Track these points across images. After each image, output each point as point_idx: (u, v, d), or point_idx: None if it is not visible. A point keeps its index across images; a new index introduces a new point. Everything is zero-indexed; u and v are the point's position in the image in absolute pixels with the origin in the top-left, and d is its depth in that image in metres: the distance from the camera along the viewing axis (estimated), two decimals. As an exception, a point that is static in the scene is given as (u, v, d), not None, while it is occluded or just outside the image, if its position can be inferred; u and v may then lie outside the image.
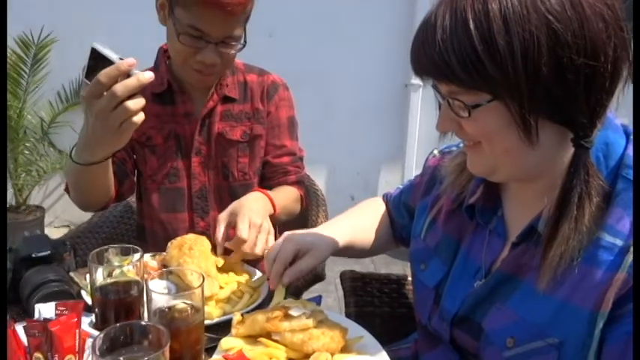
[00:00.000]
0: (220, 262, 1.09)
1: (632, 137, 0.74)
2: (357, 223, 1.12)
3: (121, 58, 0.94)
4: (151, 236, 1.38)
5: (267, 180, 1.40)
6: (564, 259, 0.68)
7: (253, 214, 1.11)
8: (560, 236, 0.69)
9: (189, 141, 1.32)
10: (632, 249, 0.66)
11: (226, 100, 1.34)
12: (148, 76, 0.94)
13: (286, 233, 0.99)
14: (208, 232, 1.31)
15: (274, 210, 1.24)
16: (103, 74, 0.93)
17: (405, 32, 3.31)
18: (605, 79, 0.66)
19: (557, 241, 0.69)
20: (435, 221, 0.95)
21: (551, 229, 0.70)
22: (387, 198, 1.17)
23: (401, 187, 1.16)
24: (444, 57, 0.66)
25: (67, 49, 3.09)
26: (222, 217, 1.13)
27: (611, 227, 0.68)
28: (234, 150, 1.34)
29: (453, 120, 0.74)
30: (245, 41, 1.22)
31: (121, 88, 0.93)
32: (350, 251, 1.07)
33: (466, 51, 0.64)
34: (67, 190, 1.24)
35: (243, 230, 1.07)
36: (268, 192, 1.26)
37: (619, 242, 0.67)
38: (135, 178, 1.36)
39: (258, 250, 1.08)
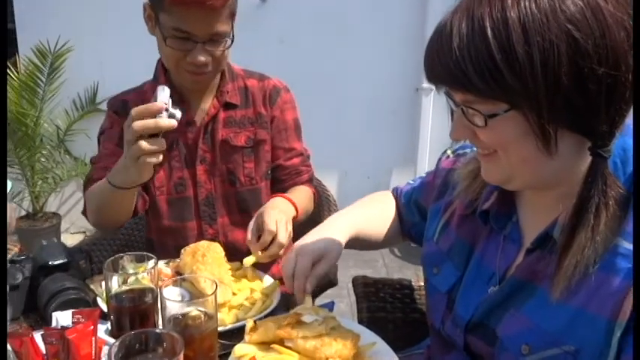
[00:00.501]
0: (233, 268, 1.10)
1: None
2: (365, 215, 1.11)
3: (166, 104, 1.04)
4: (160, 248, 1.38)
5: (282, 182, 1.41)
6: (579, 268, 0.68)
7: (277, 213, 1.13)
8: (575, 245, 0.68)
9: (193, 150, 1.33)
10: None
11: (228, 106, 1.34)
12: (167, 122, 1.02)
13: (296, 246, 0.99)
14: (218, 239, 1.32)
15: (297, 212, 1.24)
16: (135, 109, 1.02)
17: (416, 36, 3.31)
18: (626, 88, 0.64)
19: (573, 250, 0.68)
20: (448, 224, 0.94)
21: (567, 238, 0.69)
22: (397, 192, 1.16)
23: (412, 182, 1.14)
24: (461, 66, 0.65)
25: (82, 58, 3.14)
26: (250, 224, 1.14)
27: (630, 234, 0.67)
28: (239, 156, 1.34)
29: (467, 128, 0.73)
30: (233, 37, 1.22)
31: (138, 124, 1.01)
32: (356, 243, 1.06)
33: (484, 60, 0.63)
34: (84, 212, 1.29)
35: (270, 224, 1.09)
36: (289, 196, 1.27)
37: None
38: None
39: (283, 239, 1.09)
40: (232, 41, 1.22)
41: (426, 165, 3.53)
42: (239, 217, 1.37)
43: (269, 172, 1.40)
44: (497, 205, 0.84)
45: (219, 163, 1.34)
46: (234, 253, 1.29)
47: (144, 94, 1.35)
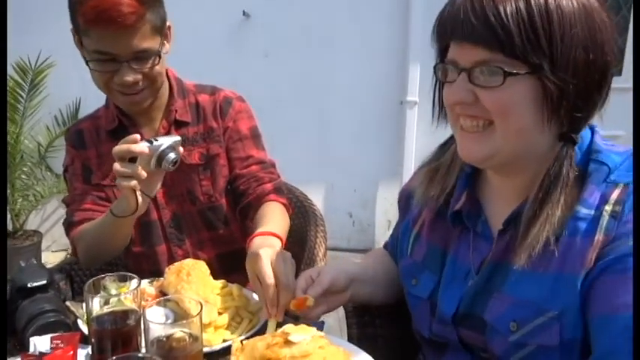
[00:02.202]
0: (218, 286, 1.07)
1: (596, 129, 0.83)
2: (363, 263, 1.13)
3: (156, 139, 1.11)
4: (137, 273, 1.34)
5: (244, 193, 1.33)
6: (542, 238, 0.75)
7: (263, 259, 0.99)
8: (542, 216, 0.75)
9: None
10: (604, 214, 0.74)
11: (179, 124, 1.31)
12: (139, 147, 1.06)
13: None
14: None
15: (282, 243, 1.15)
16: (125, 138, 1.08)
17: (399, 49, 3.35)
18: (608, 85, 0.76)
19: (540, 220, 0.75)
20: (419, 236, 0.98)
21: (535, 210, 0.76)
22: (387, 248, 1.17)
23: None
24: (503, 19, 0.70)
25: (64, 74, 3.11)
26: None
27: (586, 201, 0.76)
28: (195, 174, 1.31)
29: (470, 91, 0.76)
30: (159, 54, 1.18)
31: (116, 148, 1.07)
32: (360, 287, 1.04)
33: (524, 21, 0.70)
34: (74, 252, 1.29)
35: (265, 277, 0.95)
36: (267, 231, 1.15)
37: (592, 212, 0.75)
38: None
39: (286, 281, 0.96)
40: (160, 57, 1.18)
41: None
42: (206, 234, 1.35)
43: (229, 186, 1.36)
44: (468, 204, 0.89)
45: (177, 183, 1.31)
46: (212, 269, 1.27)
47: (98, 119, 1.35)
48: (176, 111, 1.31)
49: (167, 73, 1.31)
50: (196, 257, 1.30)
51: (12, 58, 3.00)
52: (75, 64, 3.25)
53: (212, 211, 1.34)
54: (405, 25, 3.33)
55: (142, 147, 1.06)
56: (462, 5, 0.74)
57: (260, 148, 1.39)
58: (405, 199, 1.06)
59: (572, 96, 0.73)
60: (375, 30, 3.38)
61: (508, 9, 0.70)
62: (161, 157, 1.10)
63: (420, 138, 3.44)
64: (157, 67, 1.19)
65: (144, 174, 1.07)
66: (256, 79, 3.16)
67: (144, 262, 1.35)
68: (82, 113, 3.22)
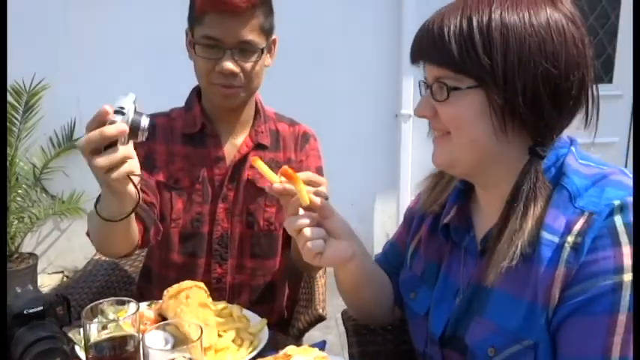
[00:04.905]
0: (218, 308, 1.06)
1: (575, 143, 0.82)
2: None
3: (122, 108, 0.90)
4: (158, 279, 1.33)
5: None
6: (509, 254, 0.73)
7: None
8: (507, 231, 0.75)
9: (217, 186, 1.29)
10: (566, 245, 0.72)
11: (258, 146, 1.32)
12: (114, 129, 0.87)
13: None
14: (224, 279, 1.29)
15: None
16: (88, 123, 0.90)
17: (393, 63, 3.38)
18: (571, 98, 0.76)
19: (505, 235, 0.75)
20: (417, 249, 1.00)
21: (501, 224, 0.77)
22: (377, 261, 1.13)
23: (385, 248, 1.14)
24: (444, 39, 0.75)
25: (59, 95, 3.11)
26: None
27: (549, 226, 0.74)
28: (262, 198, 1.29)
29: (431, 107, 0.81)
30: (262, 50, 1.20)
31: (81, 140, 0.89)
32: (364, 259, 0.99)
33: (464, 36, 0.74)
34: (88, 234, 1.18)
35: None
36: None
37: (556, 239, 0.73)
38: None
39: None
40: (262, 54, 1.20)
41: (408, 190, 3.55)
42: (250, 261, 1.32)
43: None
44: (457, 219, 0.90)
45: (240, 202, 1.30)
46: (239, 296, 1.25)
47: (173, 120, 1.32)
48: (262, 132, 1.32)
49: (256, 98, 1.34)
50: (233, 279, 1.31)
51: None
52: (70, 85, 3.27)
53: (267, 239, 1.32)
54: (398, 37, 3.36)
55: (121, 126, 0.89)
56: (423, 27, 0.80)
57: None
58: (410, 215, 1.07)
59: (521, 107, 0.74)
60: (368, 43, 3.41)
61: (452, 27, 0.75)
62: (134, 127, 0.92)
63: (416, 150, 3.45)
64: (256, 68, 1.22)
65: (134, 152, 0.94)
66: (251, 95, 3.16)
67: (173, 271, 1.30)
68: (77, 134, 3.22)
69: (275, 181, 0.96)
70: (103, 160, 0.88)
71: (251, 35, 1.17)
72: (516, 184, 0.77)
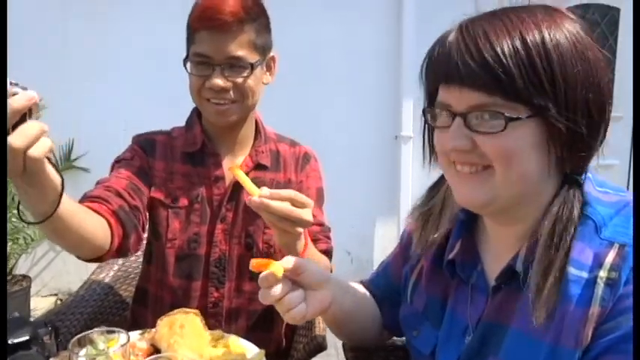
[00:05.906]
0: (214, 338, 1.02)
1: (589, 173, 0.77)
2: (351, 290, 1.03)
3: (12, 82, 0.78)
4: (154, 302, 1.28)
5: None
6: (551, 294, 0.68)
7: None
8: (553, 268, 0.69)
9: (216, 207, 1.25)
10: (598, 281, 0.66)
11: (258, 167, 1.29)
12: (24, 99, 0.76)
13: None
14: (221, 303, 1.25)
15: (305, 247, 1.11)
16: None
17: (393, 84, 3.38)
18: (605, 125, 0.72)
19: (553, 270, 0.69)
20: (417, 284, 0.94)
21: (546, 264, 0.70)
22: (365, 284, 1.09)
23: (376, 270, 1.10)
24: (502, 61, 0.66)
25: (56, 116, 3.06)
26: None
27: (576, 261, 0.69)
28: (261, 220, 1.23)
29: (467, 137, 0.71)
30: (253, 66, 1.18)
31: None
32: (342, 295, 0.95)
33: (522, 59, 0.66)
34: None
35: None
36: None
37: (585, 274, 0.68)
38: (145, 237, 1.27)
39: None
40: (252, 70, 1.18)
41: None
42: (248, 284, 1.27)
43: None
44: (462, 254, 0.84)
45: (239, 224, 1.26)
46: (235, 321, 1.20)
47: (173, 139, 1.30)
48: (262, 152, 1.30)
49: (256, 117, 1.33)
50: (230, 304, 1.26)
51: (4, 101, 2.99)
52: (67, 106, 3.26)
53: None
54: (398, 59, 3.37)
55: (30, 93, 0.78)
56: (455, 46, 0.70)
57: (321, 210, 1.40)
58: (407, 241, 1.00)
59: (585, 135, 0.69)
60: (368, 65, 3.42)
61: (506, 49, 0.66)
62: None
63: (416, 172, 3.43)
64: (249, 82, 1.20)
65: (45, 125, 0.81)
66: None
67: (168, 294, 1.25)
68: (75, 154, 3.20)
69: (254, 193, 0.97)
70: (18, 138, 0.75)
71: (240, 51, 1.17)
72: (561, 215, 0.71)
